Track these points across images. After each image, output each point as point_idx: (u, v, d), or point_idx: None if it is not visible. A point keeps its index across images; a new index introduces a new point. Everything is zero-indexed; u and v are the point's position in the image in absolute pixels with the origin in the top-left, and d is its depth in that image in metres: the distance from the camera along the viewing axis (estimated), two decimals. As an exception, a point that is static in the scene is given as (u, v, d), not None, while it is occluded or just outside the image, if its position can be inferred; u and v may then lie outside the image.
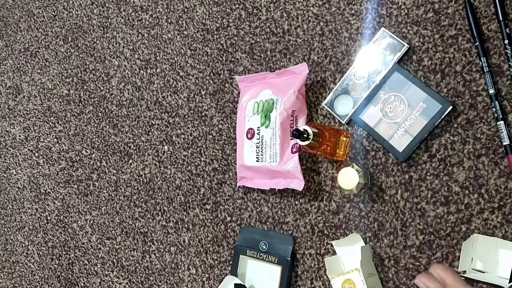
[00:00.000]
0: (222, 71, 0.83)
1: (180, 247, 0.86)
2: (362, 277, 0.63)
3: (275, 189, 0.75)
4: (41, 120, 1.07)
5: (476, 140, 0.62)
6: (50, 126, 1.05)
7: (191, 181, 0.85)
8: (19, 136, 1.11)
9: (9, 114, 1.13)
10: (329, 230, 0.71)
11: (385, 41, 0.67)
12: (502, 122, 0.59)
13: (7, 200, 1.13)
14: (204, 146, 0.84)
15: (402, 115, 0.65)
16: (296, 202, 0.74)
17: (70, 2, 1.03)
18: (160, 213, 0.89)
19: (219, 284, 0.80)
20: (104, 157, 0.97)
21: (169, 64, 0.89)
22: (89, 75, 1.00)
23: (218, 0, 0.84)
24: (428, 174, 0.65)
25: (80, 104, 1.01)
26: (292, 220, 0.75)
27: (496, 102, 0.60)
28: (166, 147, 0.88)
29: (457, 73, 0.64)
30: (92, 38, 0.99)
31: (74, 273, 1.01)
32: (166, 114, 0.89)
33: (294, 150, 0.71)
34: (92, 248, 0.98)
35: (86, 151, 0.99)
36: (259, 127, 0.73)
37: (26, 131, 1.09)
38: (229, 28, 0.82)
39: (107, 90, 0.97)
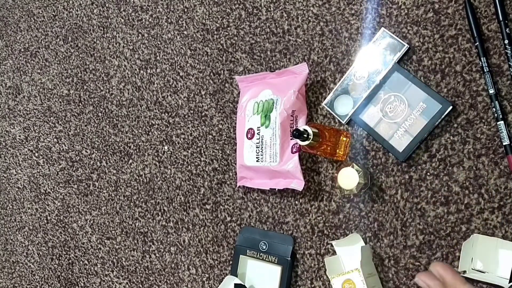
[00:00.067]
0: (222, 71, 0.83)
1: (180, 247, 0.86)
2: (362, 277, 0.63)
3: (275, 189, 0.75)
4: (41, 120, 1.07)
5: (476, 140, 0.62)
6: (50, 126, 1.05)
7: (191, 181, 0.85)
8: (19, 136, 1.11)
9: (9, 114, 1.13)
10: (329, 230, 0.71)
11: (385, 41, 0.67)
12: (502, 122, 0.59)
13: (7, 200, 1.13)
14: (204, 146, 0.84)
15: (402, 115, 0.65)
16: (296, 202, 0.74)
17: (70, 2, 1.03)
18: (160, 213, 0.89)
19: (219, 284, 0.80)
20: (104, 157, 0.97)
21: (169, 64, 0.89)
22: (89, 75, 1.00)
23: (218, 0, 0.84)
24: (428, 174, 0.65)
25: (80, 104, 1.01)
26: (292, 220, 0.75)
27: (496, 102, 0.60)
28: (166, 147, 0.88)
29: (457, 73, 0.64)
30: (92, 38, 1.00)
31: (74, 273, 1.01)
32: (166, 114, 0.89)
33: (294, 150, 0.71)
34: (92, 248, 0.98)
35: (86, 151, 0.99)
36: (259, 127, 0.73)
37: (26, 131, 1.09)
38: (229, 28, 0.82)
39: (107, 90, 0.97)
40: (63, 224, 1.02)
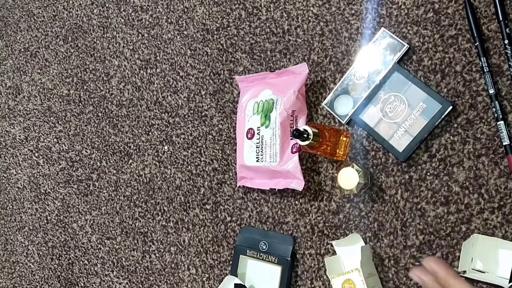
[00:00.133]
0: (222, 71, 0.83)
1: (180, 247, 0.86)
2: (362, 277, 0.63)
3: (275, 189, 0.75)
4: (41, 120, 1.07)
5: (476, 140, 0.62)
6: (50, 126, 1.05)
7: (191, 181, 0.85)
8: (19, 136, 1.11)
9: (9, 114, 1.13)
10: (329, 230, 0.71)
11: (385, 41, 0.67)
12: (502, 122, 0.59)
13: (7, 200, 1.13)
14: (204, 146, 0.84)
15: (402, 115, 0.65)
16: (296, 202, 0.74)
17: (70, 2, 1.03)
18: (160, 213, 0.89)
19: (219, 284, 0.80)
20: (104, 157, 0.97)
21: (169, 64, 0.89)
22: (89, 75, 1.00)
23: (218, 0, 0.84)
24: (428, 174, 0.65)
25: (80, 104, 1.01)
26: (292, 220, 0.75)
27: (496, 102, 0.60)
28: (166, 147, 0.88)
29: (457, 73, 0.64)
30: (92, 38, 1.00)
31: (74, 273, 1.01)
32: (166, 114, 0.89)
33: (294, 150, 0.71)
34: (92, 248, 0.98)
35: (86, 151, 0.99)
36: (259, 127, 0.73)
37: (26, 131, 1.09)
38: (229, 28, 0.82)
39: (107, 90, 0.97)
40: (63, 224, 1.02)
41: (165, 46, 0.89)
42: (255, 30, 0.80)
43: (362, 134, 0.69)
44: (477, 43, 0.61)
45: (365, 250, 0.65)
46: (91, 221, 0.98)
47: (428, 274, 0.54)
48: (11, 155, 1.12)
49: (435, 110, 0.63)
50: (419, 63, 0.66)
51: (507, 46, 0.60)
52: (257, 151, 0.73)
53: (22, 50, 1.11)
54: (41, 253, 1.06)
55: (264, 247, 0.75)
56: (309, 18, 0.75)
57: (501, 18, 0.60)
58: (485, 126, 0.61)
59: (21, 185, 1.10)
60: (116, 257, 0.94)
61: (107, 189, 0.96)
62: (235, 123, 0.80)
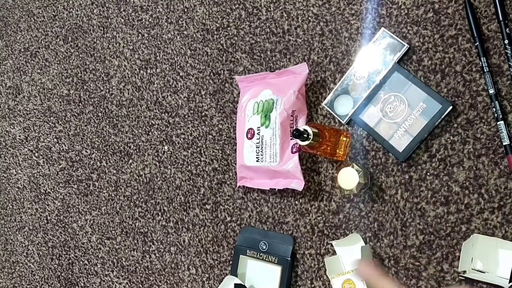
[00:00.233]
0: (222, 71, 0.83)
1: (180, 247, 0.86)
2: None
3: (275, 189, 0.75)
4: (41, 120, 1.07)
5: (476, 140, 0.62)
6: (50, 126, 1.05)
7: (191, 181, 0.85)
8: (19, 136, 1.11)
9: (9, 114, 1.13)
10: (329, 230, 0.71)
11: (385, 41, 0.67)
12: (502, 122, 0.59)
13: (7, 200, 1.13)
14: (204, 146, 0.84)
15: (402, 115, 0.65)
16: (296, 202, 0.74)
17: (70, 2, 1.03)
18: (160, 213, 0.89)
19: (219, 284, 0.80)
20: (104, 157, 0.97)
21: (169, 64, 0.89)
22: (89, 75, 1.00)
23: (218, 0, 0.84)
24: (428, 174, 0.65)
25: (80, 104, 1.01)
26: (292, 220, 0.75)
27: (496, 102, 0.60)
28: (166, 147, 0.88)
29: (457, 73, 0.64)
30: (92, 38, 1.00)
31: (74, 273, 1.01)
32: (166, 114, 0.89)
33: (294, 150, 0.71)
34: (92, 248, 0.98)
35: (86, 151, 0.99)
36: (259, 127, 0.73)
37: (26, 131, 1.09)
38: (229, 28, 0.82)
39: (107, 90, 0.97)
40: (63, 224, 1.02)
41: (165, 46, 0.89)
42: (255, 30, 0.80)
43: (362, 134, 0.69)
44: (477, 43, 0.61)
45: (365, 250, 0.65)
46: (91, 221, 0.98)
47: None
48: (11, 155, 1.12)
49: (435, 110, 0.63)
50: (419, 63, 0.66)
51: (507, 46, 0.60)
52: (257, 151, 0.73)
53: (22, 50, 1.11)
54: (41, 253, 1.06)
55: (264, 247, 0.75)
56: (309, 18, 0.75)
57: (501, 18, 0.60)
58: (485, 126, 0.61)
59: (21, 185, 1.10)
60: (116, 257, 0.94)
61: (107, 189, 0.96)
62: (235, 123, 0.80)
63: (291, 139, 0.71)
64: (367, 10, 0.70)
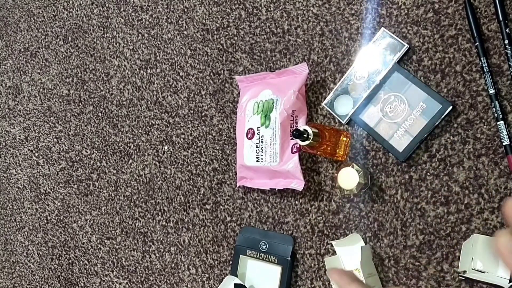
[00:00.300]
0: (222, 71, 0.83)
1: (180, 247, 0.86)
2: (362, 277, 0.63)
3: (275, 189, 0.75)
4: (41, 120, 1.07)
5: (476, 140, 0.62)
6: (50, 126, 1.05)
7: (191, 181, 0.85)
8: (19, 136, 1.11)
9: (9, 114, 1.13)
10: (329, 230, 0.71)
11: (385, 41, 0.67)
12: (502, 122, 0.59)
13: (7, 200, 1.13)
14: (204, 146, 0.84)
15: (402, 115, 0.65)
16: (296, 202, 0.74)
17: (70, 2, 1.03)
18: (160, 213, 0.89)
19: (219, 284, 0.80)
20: (104, 157, 0.97)
21: (169, 64, 0.89)
22: (89, 75, 1.00)
23: (218, 0, 0.84)
24: (428, 174, 0.65)
25: (80, 104, 1.01)
26: (292, 220, 0.75)
27: (496, 102, 0.60)
28: (166, 147, 0.88)
29: (457, 73, 0.64)
30: (92, 38, 1.00)
31: (74, 273, 1.01)
32: (166, 114, 0.89)
33: (294, 150, 0.71)
34: (92, 248, 0.98)
35: (86, 151, 0.99)
36: (259, 127, 0.73)
37: (26, 131, 1.09)
38: (229, 28, 0.82)
39: (107, 90, 0.97)
40: (63, 224, 1.02)
41: (165, 46, 0.89)
42: (255, 30, 0.80)
43: (362, 134, 0.69)
44: (477, 43, 0.61)
45: (365, 250, 0.65)
46: (91, 221, 0.98)
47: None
48: (11, 155, 1.12)
49: (435, 110, 0.63)
50: (419, 63, 0.66)
51: (507, 46, 0.60)
52: (257, 151, 0.73)
53: (22, 50, 1.11)
54: (41, 253, 1.06)
55: (264, 247, 0.75)
56: (309, 18, 0.75)
57: (501, 18, 0.60)
58: (485, 126, 0.61)
59: (21, 185, 1.10)
60: (116, 257, 0.94)
61: (107, 189, 0.96)
62: (235, 123, 0.80)
63: (291, 139, 0.71)
64: (367, 10, 0.70)
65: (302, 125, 0.68)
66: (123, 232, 0.93)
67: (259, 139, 0.73)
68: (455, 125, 0.63)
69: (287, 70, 0.73)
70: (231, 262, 0.80)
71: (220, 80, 0.83)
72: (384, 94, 0.67)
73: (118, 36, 0.96)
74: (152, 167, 0.90)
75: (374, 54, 0.68)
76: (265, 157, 0.72)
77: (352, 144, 0.70)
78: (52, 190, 1.04)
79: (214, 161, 0.83)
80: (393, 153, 0.66)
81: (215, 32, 0.84)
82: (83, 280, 0.99)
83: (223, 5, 0.83)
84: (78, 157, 1.00)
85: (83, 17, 1.01)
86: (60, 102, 1.04)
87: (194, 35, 0.86)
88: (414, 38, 0.66)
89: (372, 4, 0.70)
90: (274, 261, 0.74)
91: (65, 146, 1.02)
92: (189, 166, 0.85)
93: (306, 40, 0.75)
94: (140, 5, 0.93)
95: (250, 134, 0.74)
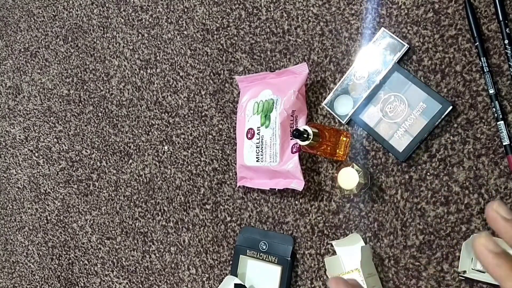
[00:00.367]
0: (222, 71, 0.83)
1: (180, 247, 0.86)
2: (362, 277, 0.63)
3: (275, 189, 0.75)
4: (41, 120, 1.07)
5: (476, 140, 0.62)
6: (50, 126, 1.05)
7: (191, 181, 0.85)
8: (19, 136, 1.11)
9: (9, 114, 1.13)
10: (329, 230, 0.71)
11: (385, 41, 0.67)
12: (502, 122, 0.59)
13: (7, 200, 1.13)
14: (204, 146, 0.84)
15: (402, 115, 0.65)
16: (296, 202, 0.74)
17: (70, 2, 1.03)
18: (160, 213, 0.89)
19: (219, 284, 0.80)
20: (104, 157, 0.97)
21: (169, 64, 0.89)
22: (89, 75, 1.00)
23: (218, 0, 0.84)
24: (428, 174, 0.65)
25: (80, 104, 1.01)
26: (292, 220, 0.75)
27: (496, 102, 0.60)
28: (166, 147, 0.88)
29: (457, 73, 0.64)
30: (92, 38, 1.00)
31: (74, 273, 1.01)
32: (166, 114, 0.89)
33: (294, 150, 0.71)
34: (92, 248, 0.98)
35: (86, 151, 0.99)
36: (259, 127, 0.73)
37: (26, 131, 1.09)
38: (229, 28, 0.82)
39: (107, 90, 0.97)
40: (63, 224, 1.02)
41: (165, 46, 0.89)
42: (255, 30, 0.80)
43: (362, 134, 0.69)
44: (477, 43, 0.61)
45: (365, 250, 0.65)
46: (91, 221, 0.98)
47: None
48: (11, 155, 1.12)
49: (435, 110, 0.63)
50: (419, 63, 0.66)
51: (507, 46, 0.60)
52: (257, 151, 0.73)
53: (22, 50, 1.11)
54: (41, 253, 1.06)
55: (264, 247, 0.75)
56: (309, 18, 0.75)
57: (501, 18, 0.60)
58: (485, 126, 0.61)
59: (21, 185, 1.10)
60: (116, 257, 0.94)
61: (107, 189, 0.96)
62: (235, 123, 0.80)
63: (291, 139, 0.71)
64: (367, 10, 0.70)
65: (302, 125, 0.68)
66: (123, 232, 0.93)
67: (259, 139, 0.73)
68: (455, 125, 0.63)
69: (287, 70, 0.73)
70: (231, 262, 0.80)
71: (220, 80, 0.83)
72: (384, 94, 0.67)
73: (118, 36, 0.96)
74: (152, 167, 0.90)
75: (374, 54, 0.68)
76: (265, 157, 0.72)
77: (352, 144, 0.70)
78: (52, 190, 1.04)
79: (214, 161, 0.83)
80: (393, 153, 0.66)
81: (215, 32, 0.84)
82: (83, 280, 0.99)
83: (223, 5, 0.83)
84: (78, 157, 1.00)
85: (83, 17, 1.01)
86: (60, 102, 1.04)
87: (194, 35, 0.86)
88: (414, 38, 0.66)
89: (372, 4, 0.70)
90: (274, 261, 0.74)
91: (65, 146, 1.02)
92: (189, 166, 0.85)
93: (306, 40, 0.75)
94: (140, 5, 0.93)
95: (250, 134, 0.74)
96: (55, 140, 1.04)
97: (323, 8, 0.74)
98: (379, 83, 0.67)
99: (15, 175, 1.11)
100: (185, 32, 0.87)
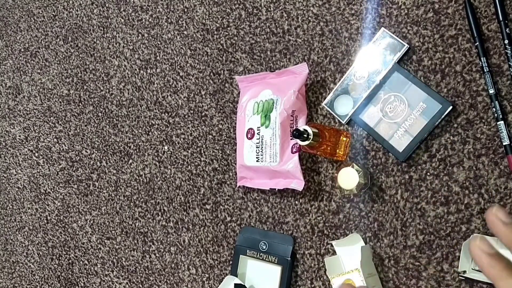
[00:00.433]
0: (222, 71, 0.83)
1: (180, 247, 0.86)
2: (362, 277, 0.63)
3: (275, 189, 0.75)
4: (41, 120, 1.07)
5: (476, 140, 0.62)
6: (50, 126, 1.05)
7: (191, 181, 0.85)
8: (19, 136, 1.11)
9: (9, 114, 1.13)
10: (329, 230, 0.71)
11: (385, 41, 0.67)
12: (502, 122, 0.59)
13: (7, 200, 1.13)
14: (204, 146, 0.84)
15: (402, 115, 0.65)
16: (296, 202, 0.74)
17: (70, 2, 1.03)
18: (160, 213, 0.89)
19: (219, 284, 0.80)
20: (104, 157, 0.97)
21: (169, 64, 0.89)
22: (89, 75, 1.00)
23: (218, 0, 0.84)
24: (428, 174, 0.65)
25: (80, 104, 1.01)
26: (292, 220, 0.75)
27: (496, 102, 0.60)
28: (166, 147, 0.88)
29: (457, 73, 0.64)
30: (92, 38, 1.00)
31: (74, 273, 1.01)
32: (166, 114, 0.89)
33: (294, 150, 0.71)
34: (92, 248, 0.98)
35: (86, 151, 0.99)
36: (259, 127, 0.73)
37: (26, 131, 1.09)
38: (229, 28, 0.82)
39: (107, 90, 0.97)
40: (63, 224, 1.02)
41: (165, 46, 0.89)
42: (255, 30, 0.80)
43: (362, 134, 0.69)
44: (477, 43, 0.61)
45: (365, 250, 0.65)
46: (91, 221, 0.98)
47: None
48: (11, 155, 1.12)
49: (435, 110, 0.63)
50: (419, 63, 0.66)
51: (507, 46, 0.60)
52: (257, 151, 0.73)
53: (22, 50, 1.11)
54: (41, 253, 1.06)
55: (264, 247, 0.75)
56: (309, 18, 0.75)
57: (501, 18, 0.60)
58: (485, 126, 0.61)
59: (21, 185, 1.10)
60: (116, 257, 0.94)
61: (107, 189, 0.96)
62: (235, 123, 0.80)
63: (291, 139, 0.71)
64: (367, 10, 0.70)
65: (302, 125, 0.68)
66: (123, 232, 0.93)
67: (259, 139, 0.73)
68: (455, 125, 0.63)
69: (287, 70, 0.73)
70: (231, 262, 0.80)
71: (220, 80, 0.83)
72: (384, 94, 0.67)
73: (118, 36, 0.96)
74: (152, 167, 0.90)
75: (374, 54, 0.68)
76: (265, 157, 0.72)
77: (352, 144, 0.70)
78: (52, 190, 1.04)
79: (214, 161, 0.83)
80: (393, 153, 0.66)
81: (215, 32, 0.84)
82: (83, 280, 0.99)
83: (223, 5, 0.83)
84: (78, 157, 1.00)
85: (83, 17, 1.01)
86: (60, 102, 1.04)
87: (194, 35, 0.86)
88: (414, 38, 0.66)
89: (372, 4, 0.70)
90: (274, 261, 0.74)
91: (65, 146, 1.02)
92: (189, 166, 0.85)
93: (306, 40, 0.75)
94: (140, 5, 0.93)
95: (250, 134, 0.74)
96: (55, 140, 1.04)
97: (323, 8, 0.74)
98: (379, 83, 0.67)
99: (15, 175, 1.11)
100: (185, 32, 0.87)
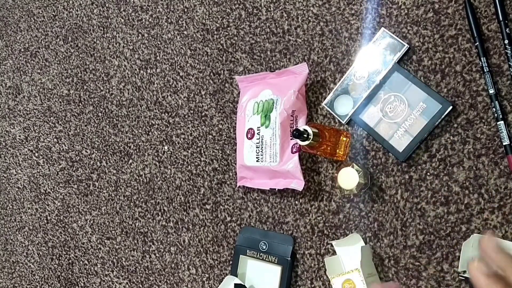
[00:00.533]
0: (222, 71, 0.83)
1: (180, 247, 0.86)
2: (362, 277, 0.63)
3: (275, 189, 0.75)
4: (41, 120, 1.07)
5: (476, 140, 0.62)
6: (50, 126, 1.05)
7: (191, 181, 0.85)
8: (19, 136, 1.11)
9: (9, 114, 1.13)
10: (329, 230, 0.71)
11: (385, 41, 0.67)
12: (502, 122, 0.59)
13: (7, 200, 1.13)
14: (204, 146, 0.84)
15: (402, 115, 0.65)
16: (296, 202, 0.74)
17: (70, 2, 1.03)
18: (160, 213, 0.89)
19: (219, 284, 0.80)
20: (104, 157, 0.97)
21: (169, 64, 0.89)
22: (89, 75, 1.00)
23: (218, 0, 0.84)
24: (428, 174, 0.65)
25: (80, 104, 1.01)
26: (292, 220, 0.75)
27: (496, 102, 0.60)
28: (166, 147, 0.88)
29: (457, 73, 0.64)
30: (92, 38, 1.00)
31: (74, 273, 1.01)
32: (166, 114, 0.89)
33: (294, 150, 0.71)
34: (92, 248, 0.98)
35: (86, 151, 0.99)
36: (259, 127, 0.73)
37: (26, 131, 1.09)
38: (229, 28, 0.82)
39: (107, 90, 0.97)
40: (63, 224, 1.02)
41: (165, 46, 0.89)
42: (255, 30, 0.80)
43: (362, 134, 0.69)
44: (477, 43, 0.61)
45: (365, 250, 0.65)
46: (91, 221, 0.98)
47: None
48: (11, 155, 1.12)
49: (435, 110, 0.63)
50: (419, 63, 0.66)
51: (507, 46, 0.60)
52: (257, 151, 0.73)
53: (22, 50, 1.11)
54: (41, 253, 1.06)
55: (264, 247, 0.75)
56: (309, 18, 0.75)
57: (501, 18, 0.60)
58: (485, 126, 0.61)
59: (21, 185, 1.10)
60: (116, 257, 0.94)
61: (107, 189, 0.96)
62: (235, 123, 0.80)
63: (291, 139, 0.71)
64: (367, 10, 0.70)
65: (302, 125, 0.68)
66: (123, 232, 0.93)
67: (259, 139, 0.73)
68: (455, 125, 0.63)
69: (287, 70, 0.73)
70: (231, 262, 0.80)
71: (220, 80, 0.83)
72: (384, 94, 0.67)
73: (118, 36, 0.96)
74: (152, 167, 0.90)
75: (374, 54, 0.68)
76: (265, 157, 0.72)
77: (352, 144, 0.70)
78: (52, 190, 1.04)
79: (214, 161, 0.83)
80: (393, 153, 0.66)
81: (215, 32, 0.84)
82: (83, 280, 0.99)
83: (223, 5, 0.83)
84: (78, 157, 1.00)
85: (83, 17, 1.01)
86: (60, 102, 1.04)
87: (194, 35, 0.86)
88: (414, 38, 0.66)
89: (372, 4, 0.70)
90: (274, 261, 0.74)
91: (65, 146, 1.02)
92: (189, 166, 0.85)
93: (306, 40, 0.75)
94: (140, 5, 0.93)
95: (250, 134, 0.74)
96: (55, 140, 1.04)
97: (323, 8, 0.74)
98: (379, 83, 0.67)
99: (15, 175, 1.11)
100: (185, 32, 0.87)
